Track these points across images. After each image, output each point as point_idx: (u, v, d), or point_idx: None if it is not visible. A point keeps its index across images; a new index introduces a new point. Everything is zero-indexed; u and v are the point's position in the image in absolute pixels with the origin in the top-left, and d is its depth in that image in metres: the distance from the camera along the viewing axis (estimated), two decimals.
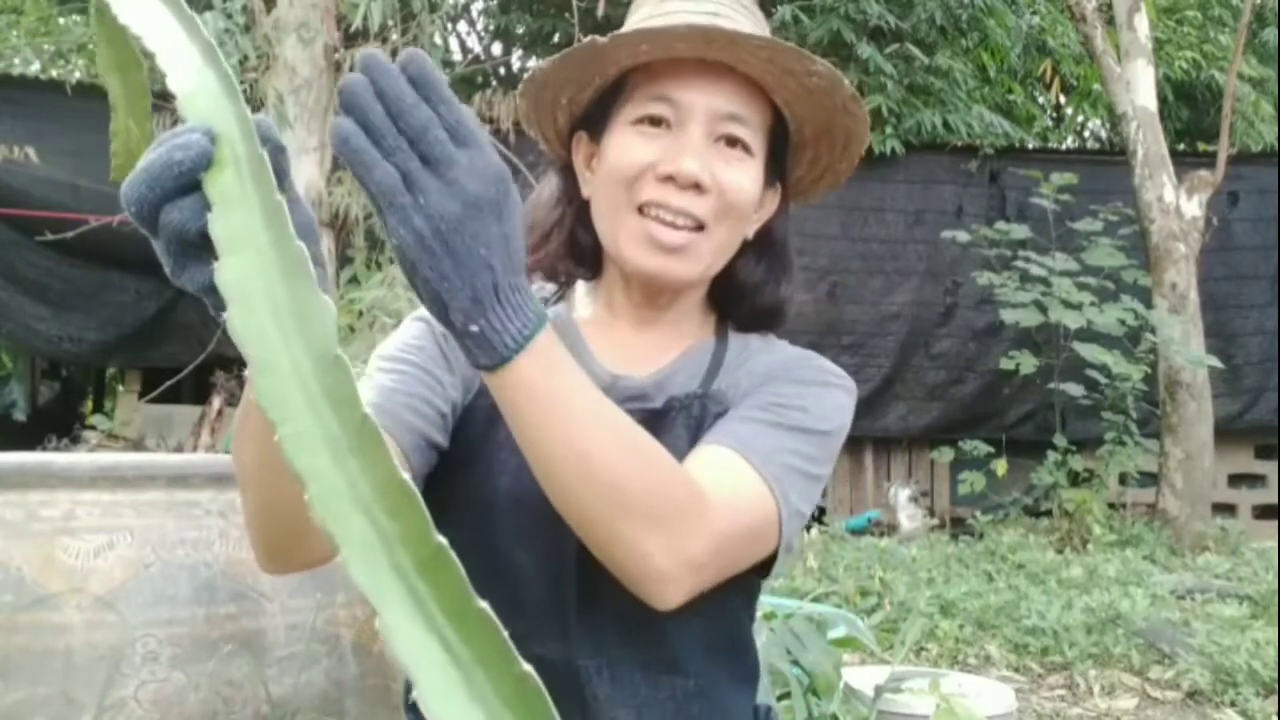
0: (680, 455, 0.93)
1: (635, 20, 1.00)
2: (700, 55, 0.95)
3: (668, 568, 0.81)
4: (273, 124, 0.59)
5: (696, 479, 0.83)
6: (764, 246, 1.05)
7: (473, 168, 0.66)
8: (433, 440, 0.93)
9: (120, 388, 7.22)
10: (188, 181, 0.55)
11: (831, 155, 1.06)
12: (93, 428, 5.98)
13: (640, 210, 0.95)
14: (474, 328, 0.69)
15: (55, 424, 6.30)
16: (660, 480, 0.80)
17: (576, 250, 1.04)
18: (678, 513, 0.81)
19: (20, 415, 7.72)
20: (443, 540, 0.41)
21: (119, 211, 0.61)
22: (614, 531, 0.80)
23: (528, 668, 0.40)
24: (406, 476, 0.43)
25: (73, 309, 6.18)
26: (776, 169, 1.03)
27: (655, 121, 0.96)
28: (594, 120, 1.02)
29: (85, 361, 7.48)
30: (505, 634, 0.40)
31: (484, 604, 0.40)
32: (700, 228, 0.95)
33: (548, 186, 1.08)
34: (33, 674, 1.02)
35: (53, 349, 6.55)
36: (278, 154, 0.57)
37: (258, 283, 0.48)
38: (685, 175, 0.93)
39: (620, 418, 0.79)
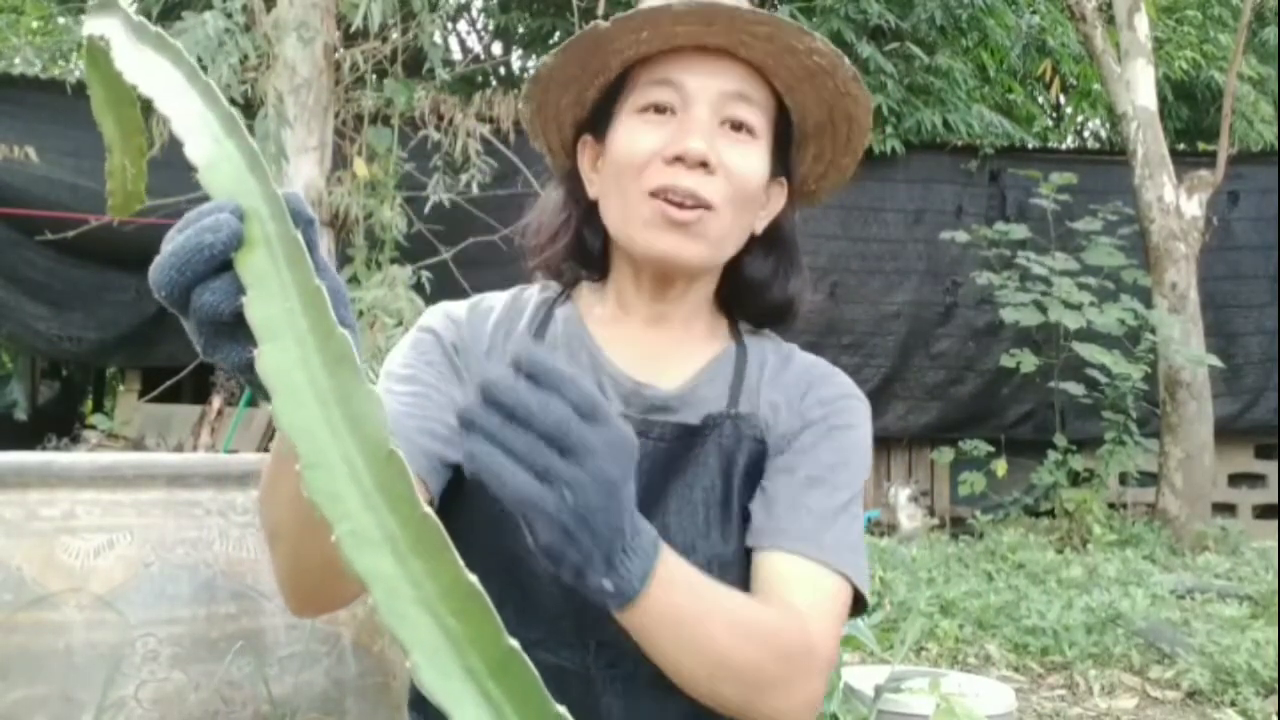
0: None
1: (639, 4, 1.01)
2: (700, 41, 0.95)
3: (796, 715, 0.87)
4: (301, 198, 0.56)
5: (797, 611, 0.87)
6: (772, 243, 1.05)
7: (609, 446, 0.65)
8: (448, 460, 0.93)
9: (120, 387, 7.22)
10: (219, 264, 0.53)
11: (834, 149, 1.06)
12: (93, 427, 5.97)
13: (652, 196, 0.95)
14: (607, 584, 0.70)
15: (55, 424, 6.30)
16: (779, 652, 0.84)
17: (583, 252, 1.04)
18: (798, 672, 0.85)
19: (20, 415, 7.71)
20: (514, 643, 0.41)
21: None
22: (744, 703, 0.85)
23: None
24: (473, 578, 0.42)
25: (73, 309, 6.17)
26: (782, 161, 1.03)
27: (660, 109, 0.96)
28: (599, 120, 1.02)
29: (85, 361, 7.47)
30: None
31: (562, 709, 0.40)
32: (709, 208, 0.95)
33: (554, 193, 1.08)
34: (33, 673, 1.02)
35: (53, 349, 6.54)
36: (308, 228, 0.55)
37: (301, 374, 0.47)
38: (693, 154, 0.93)
39: (733, 604, 0.82)
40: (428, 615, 0.42)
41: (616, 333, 1.02)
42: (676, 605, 0.76)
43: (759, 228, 1.03)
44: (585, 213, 1.03)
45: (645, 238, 0.96)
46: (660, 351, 1.02)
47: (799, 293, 1.07)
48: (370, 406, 0.46)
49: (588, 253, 1.04)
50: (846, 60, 0.96)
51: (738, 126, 0.96)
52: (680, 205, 0.94)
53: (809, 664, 0.86)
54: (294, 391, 0.47)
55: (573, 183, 1.06)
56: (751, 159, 0.97)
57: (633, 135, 0.96)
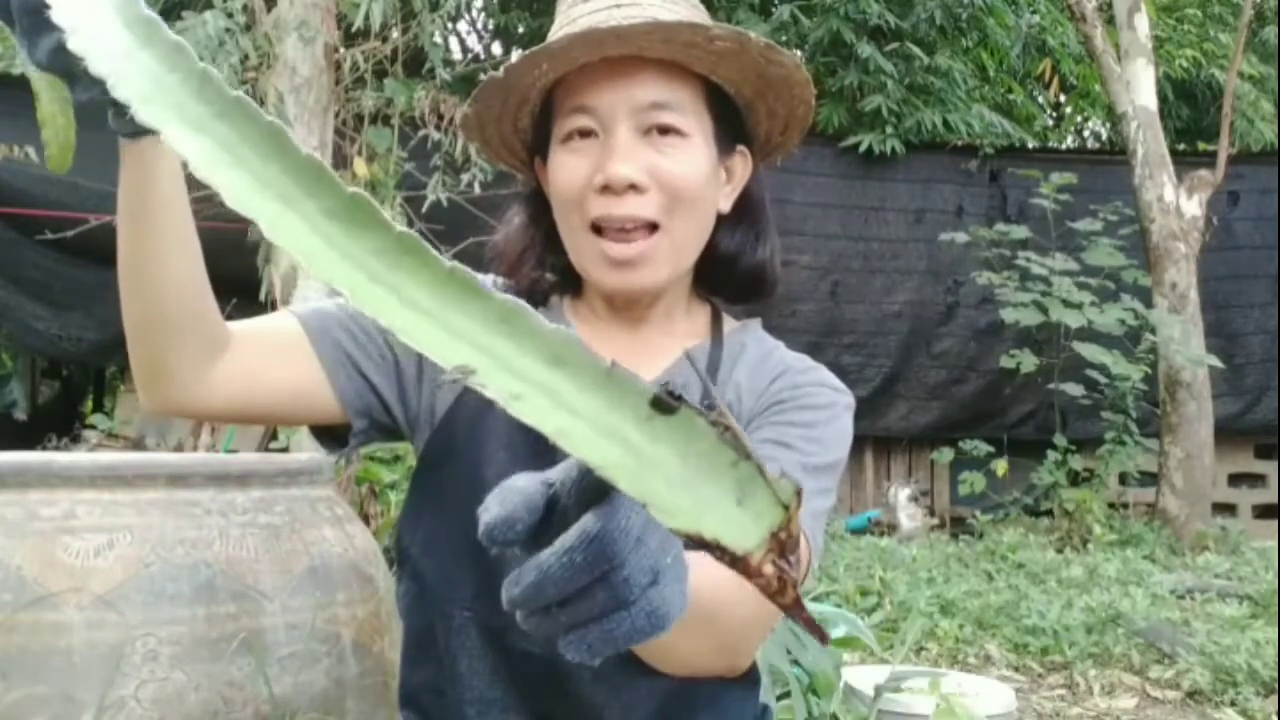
0: None
1: (551, 32, 1.01)
2: (604, 54, 0.93)
3: (746, 663, 0.93)
4: None
5: None
6: (741, 213, 1.04)
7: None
8: (365, 371, 0.97)
9: (120, 387, 7.21)
10: None
11: (783, 104, 1.04)
12: (93, 427, 5.97)
13: (594, 228, 0.95)
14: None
15: (55, 423, 6.30)
16: (751, 617, 0.84)
17: (553, 271, 1.05)
18: (762, 630, 0.89)
19: (20, 415, 7.70)
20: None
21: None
22: (726, 667, 0.91)
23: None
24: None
25: (73, 309, 6.16)
26: (732, 136, 1.02)
27: (583, 134, 0.96)
28: (540, 144, 1.03)
29: (85, 361, 7.47)
30: None
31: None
32: (654, 228, 0.95)
33: (517, 214, 1.08)
34: (33, 673, 1.02)
35: (53, 349, 6.53)
36: None
37: (96, 16, 0.59)
38: (618, 181, 0.93)
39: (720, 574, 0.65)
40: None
41: (593, 331, 1.03)
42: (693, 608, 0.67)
43: (725, 206, 1.02)
44: (546, 234, 1.04)
45: (596, 275, 0.97)
46: (636, 349, 1.02)
47: (769, 258, 1.05)
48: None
49: (556, 271, 1.05)
50: (752, 35, 0.94)
51: (665, 131, 0.95)
52: (623, 232, 0.94)
53: (769, 619, 0.88)
54: (87, 26, 0.59)
55: (535, 204, 1.06)
56: (686, 160, 0.95)
57: (563, 168, 0.96)
